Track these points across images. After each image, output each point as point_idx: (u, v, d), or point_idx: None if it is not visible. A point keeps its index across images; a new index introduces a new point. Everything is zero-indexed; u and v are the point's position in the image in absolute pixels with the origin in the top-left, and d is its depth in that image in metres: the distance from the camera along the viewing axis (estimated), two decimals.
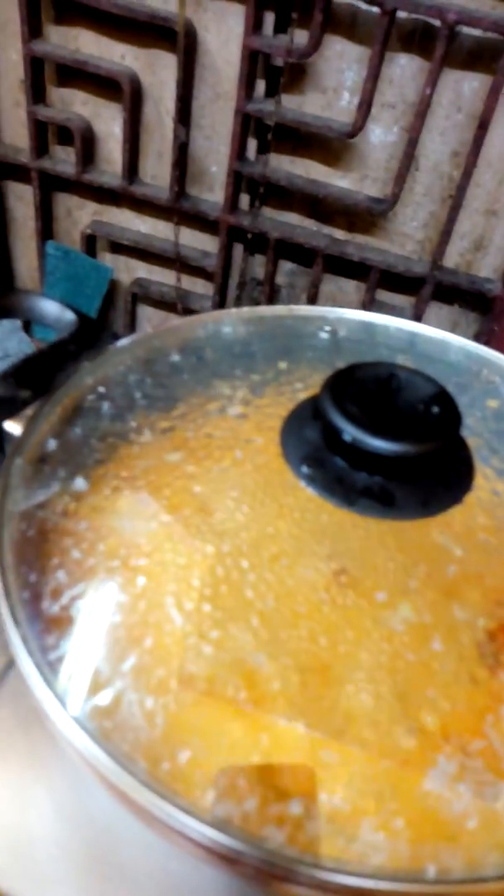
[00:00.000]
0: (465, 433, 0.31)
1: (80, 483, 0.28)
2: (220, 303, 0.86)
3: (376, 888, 0.19)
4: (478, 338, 0.79)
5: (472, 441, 0.31)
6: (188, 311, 0.89)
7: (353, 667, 0.23)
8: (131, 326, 0.94)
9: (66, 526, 0.27)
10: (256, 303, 0.88)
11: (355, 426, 0.26)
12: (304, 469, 0.27)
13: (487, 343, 0.76)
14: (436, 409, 0.27)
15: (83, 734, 0.22)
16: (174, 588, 0.24)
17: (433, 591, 0.25)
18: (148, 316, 0.95)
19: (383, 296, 0.81)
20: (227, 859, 0.20)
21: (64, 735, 0.22)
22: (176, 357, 0.35)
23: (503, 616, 0.24)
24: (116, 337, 0.37)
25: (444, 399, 0.28)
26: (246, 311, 0.40)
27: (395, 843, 0.21)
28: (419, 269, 0.75)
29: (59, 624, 0.24)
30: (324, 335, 0.37)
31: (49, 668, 0.23)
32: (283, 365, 0.34)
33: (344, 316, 0.40)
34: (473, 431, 0.31)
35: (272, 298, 0.86)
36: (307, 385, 0.32)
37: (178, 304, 0.88)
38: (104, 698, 0.22)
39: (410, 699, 0.22)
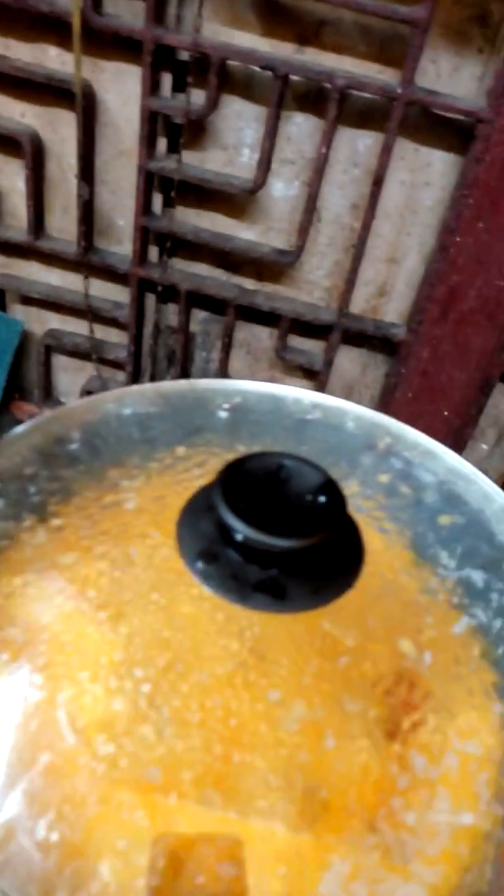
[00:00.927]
0: (357, 511, 0.32)
1: None
2: (136, 352, 0.87)
3: None
4: (388, 378, 0.82)
5: (363, 518, 0.32)
6: (103, 361, 0.89)
7: (250, 774, 0.23)
8: (46, 376, 0.93)
9: None
10: (172, 351, 0.88)
11: (245, 523, 0.26)
12: (200, 565, 0.27)
13: (396, 385, 0.79)
14: (322, 499, 0.28)
15: None
16: (68, 704, 0.24)
17: (325, 684, 0.25)
18: (63, 365, 0.94)
19: (295, 341, 0.83)
20: None
21: None
22: (73, 445, 0.34)
23: (393, 705, 0.25)
24: (17, 421, 0.37)
25: (330, 488, 0.28)
26: (148, 388, 0.40)
27: None
28: (327, 317, 0.77)
29: None
30: (223, 413, 0.38)
31: None
32: (181, 450, 0.34)
33: (245, 388, 0.41)
34: (364, 510, 0.32)
35: (187, 346, 0.87)
36: (204, 471, 0.33)
37: (93, 354, 0.88)
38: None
39: (307, 801, 0.23)
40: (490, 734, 0.26)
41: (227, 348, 0.84)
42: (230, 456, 0.32)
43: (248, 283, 0.80)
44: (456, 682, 0.27)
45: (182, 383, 0.41)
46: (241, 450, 0.36)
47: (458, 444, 0.81)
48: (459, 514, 0.34)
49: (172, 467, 0.33)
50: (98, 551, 0.29)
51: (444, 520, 0.33)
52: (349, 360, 0.84)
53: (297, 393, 0.42)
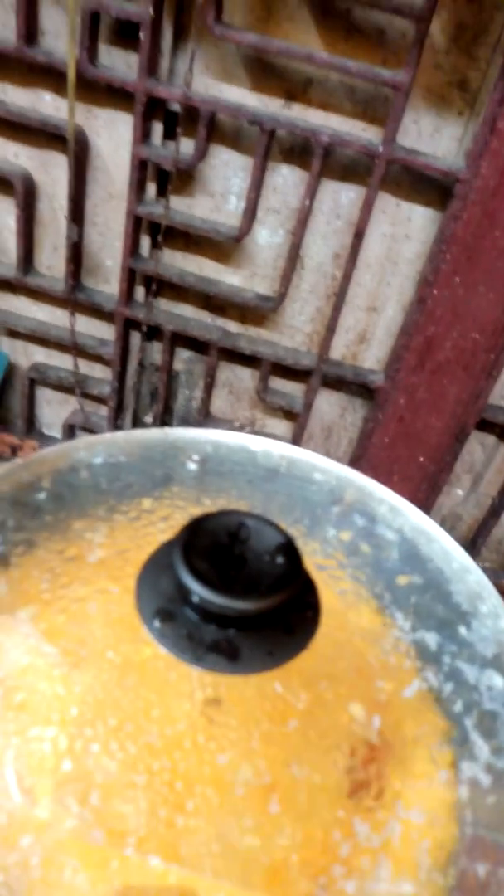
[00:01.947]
0: (317, 570, 0.32)
1: None
2: (119, 388, 0.87)
3: None
4: (366, 422, 0.83)
5: (322, 578, 0.32)
6: (87, 396, 0.90)
7: (193, 839, 0.23)
8: (30, 409, 0.94)
9: None
10: (155, 388, 0.89)
11: (202, 585, 0.27)
12: (156, 623, 0.28)
13: (373, 430, 0.80)
14: (281, 560, 0.29)
15: None
16: (17, 762, 0.24)
17: (274, 748, 0.26)
18: (47, 398, 0.95)
19: (276, 383, 0.84)
20: None
21: None
22: (41, 495, 0.35)
23: (339, 771, 0.26)
24: None
25: (289, 550, 0.29)
26: (120, 436, 0.41)
27: None
28: (307, 362, 0.78)
29: None
30: (192, 465, 0.39)
31: None
32: (147, 503, 0.35)
33: (216, 439, 0.42)
34: (324, 568, 0.33)
35: (170, 384, 0.88)
36: (168, 525, 0.33)
37: (77, 389, 0.89)
38: None
39: (248, 867, 0.23)
40: (434, 802, 0.26)
41: (209, 388, 0.85)
42: (195, 510, 0.33)
43: (232, 326, 0.82)
44: (403, 749, 0.27)
45: (155, 432, 0.42)
46: (207, 503, 0.37)
47: (433, 489, 0.82)
48: (418, 574, 0.35)
49: (137, 520, 0.34)
50: (57, 606, 0.29)
51: (403, 580, 0.34)
52: (329, 404, 0.85)
53: (266, 445, 0.43)
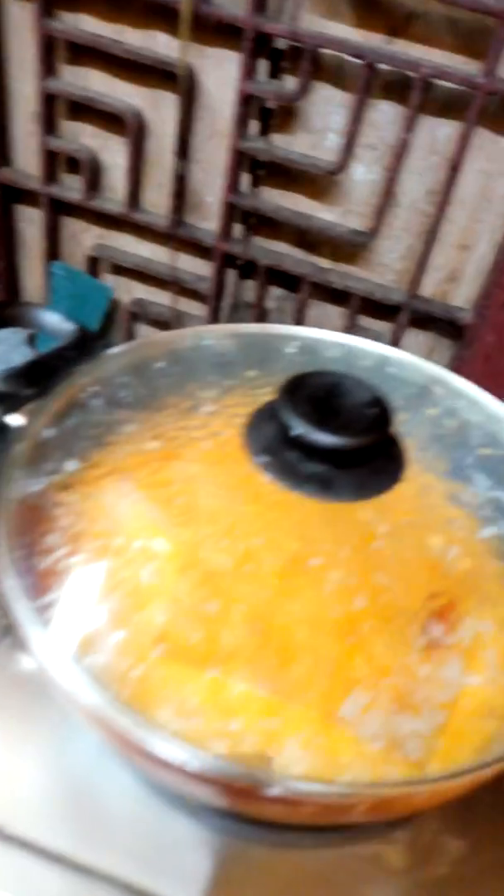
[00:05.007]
0: (405, 435, 0.36)
1: (72, 465, 0.33)
2: (213, 324, 0.92)
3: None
4: (452, 362, 0.85)
5: (409, 441, 0.36)
6: None
7: (293, 619, 0.27)
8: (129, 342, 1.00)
9: (60, 500, 0.32)
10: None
11: (303, 422, 0.31)
12: (261, 458, 0.32)
13: (458, 368, 0.81)
14: (372, 411, 0.32)
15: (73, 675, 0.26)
16: (143, 565, 0.29)
17: (359, 559, 0.29)
18: (145, 334, 1.01)
19: (364, 321, 0.87)
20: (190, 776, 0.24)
21: (54, 677, 0.26)
22: (161, 364, 0.40)
23: (417, 583, 0.29)
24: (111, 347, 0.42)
25: (379, 403, 0.33)
26: (228, 327, 0.45)
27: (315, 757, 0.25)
28: (396, 298, 0.81)
29: (48, 578, 0.29)
30: (291, 350, 0.43)
31: (39, 616, 0.28)
32: (251, 373, 0.39)
33: (315, 336, 0.45)
34: (412, 434, 0.36)
35: (261, 321, 0.92)
36: (272, 390, 0.37)
37: (173, 325, 0.94)
38: (88, 648, 0.27)
39: (337, 645, 0.27)
40: (501, 618, 0.29)
41: (298, 324, 0.89)
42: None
43: (324, 262, 0.84)
44: (476, 573, 0.30)
45: (255, 326, 0.46)
46: None
47: None
48: (501, 449, 0.38)
49: (243, 385, 0.38)
50: (177, 442, 0.34)
51: (485, 451, 0.37)
52: (416, 344, 0.87)
53: (362, 343, 0.46)
